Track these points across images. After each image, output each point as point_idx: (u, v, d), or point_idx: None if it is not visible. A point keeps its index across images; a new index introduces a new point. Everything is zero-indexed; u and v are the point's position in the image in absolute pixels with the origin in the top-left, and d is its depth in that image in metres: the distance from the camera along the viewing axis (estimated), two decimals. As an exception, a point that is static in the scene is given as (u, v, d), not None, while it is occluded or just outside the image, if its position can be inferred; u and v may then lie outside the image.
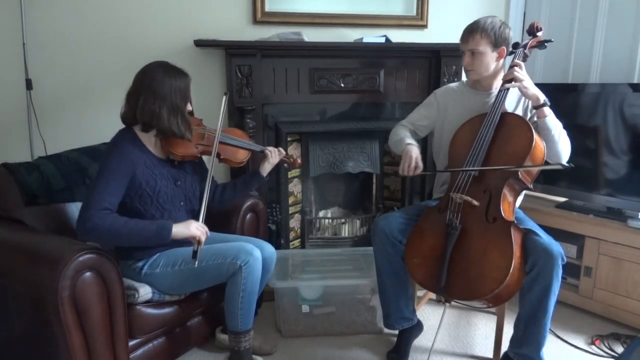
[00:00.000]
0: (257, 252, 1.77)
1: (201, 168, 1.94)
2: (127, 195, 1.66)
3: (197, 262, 1.66)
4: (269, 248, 1.93)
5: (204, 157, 1.93)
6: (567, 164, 1.61)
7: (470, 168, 1.78)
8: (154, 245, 1.73)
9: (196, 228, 1.67)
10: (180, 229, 1.65)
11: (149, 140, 1.75)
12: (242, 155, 1.93)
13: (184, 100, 1.72)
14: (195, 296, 1.89)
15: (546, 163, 1.79)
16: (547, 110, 1.79)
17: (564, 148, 1.81)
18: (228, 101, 2.45)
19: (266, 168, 1.97)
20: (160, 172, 1.74)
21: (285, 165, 2.06)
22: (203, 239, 1.68)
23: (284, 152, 2.00)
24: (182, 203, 1.83)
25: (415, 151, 1.89)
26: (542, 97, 1.79)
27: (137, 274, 1.76)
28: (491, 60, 1.90)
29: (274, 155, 1.96)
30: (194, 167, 1.90)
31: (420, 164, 1.87)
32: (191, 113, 1.81)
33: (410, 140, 1.96)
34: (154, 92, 1.65)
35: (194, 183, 1.88)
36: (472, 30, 1.87)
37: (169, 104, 1.67)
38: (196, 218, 1.73)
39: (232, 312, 1.77)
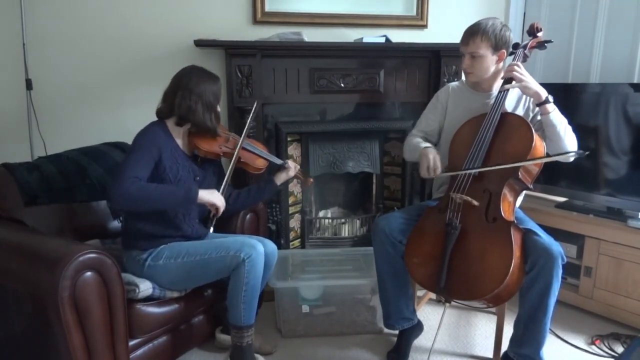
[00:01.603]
0: (260, 246, 1.79)
1: (219, 172, 2.03)
2: (150, 177, 1.74)
3: (212, 229, 1.85)
4: (271, 244, 1.94)
5: (224, 162, 2.01)
6: (580, 151, 1.63)
7: (494, 167, 1.76)
8: (179, 208, 1.83)
9: (219, 198, 1.81)
10: (205, 194, 1.77)
11: (178, 134, 1.86)
12: (260, 163, 2.04)
13: (217, 100, 1.87)
14: (195, 294, 1.89)
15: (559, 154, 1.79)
16: (551, 107, 1.78)
17: (570, 143, 1.80)
18: (228, 101, 2.46)
19: (281, 178, 2.09)
20: (182, 164, 1.83)
21: (297, 180, 2.14)
22: (222, 209, 1.81)
23: (299, 168, 2.12)
24: None
25: (432, 152, 1.87)
26: (544, 94, 1.79)
27: (141, 266, 1.77)
28: (491, 64, 1.89)
29: (291, 170, 2.08)
30: (214, 169, 1.99)
31: (439, 164, 1.85)
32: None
33: (425, 144, 1.96)
34: (190, 90, 1.79)
35: (210, 183, 1.94)
36: (473, 33, 1.86)
37: (203, 101, 1.81)
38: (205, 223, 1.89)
39: (235, 306, 1.77)
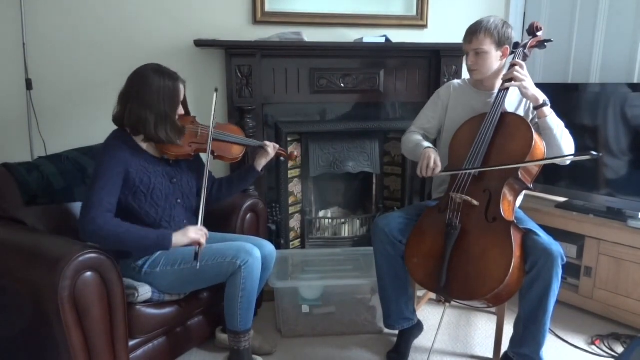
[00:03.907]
0: (256, 251, 1.77)
1: (197, 165, 1.94)
2: (121, 193, 1.67)
3: (198, 264, 1.67)
4: (269, 246, 1.93)
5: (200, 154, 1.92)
6: (594, 154, 1.51)
7: (495, 167, 1.75)
8: (152, 252, 1.75)
9: (195, 233, 1.69)
10: (179, 238, 1.67)
11: (142, 140, 1.76)
12: (236, 151, 1.93)
13: (174, 106, 1.72)
14: (195, 296, 1.89)
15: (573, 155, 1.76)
16: (548, 110, 1.79)
17: (566, 146, 1.81)
18: (228, 101, 2.46)
19: (262, 162, 1.98)
20: (154, 170, 1.75)
21: (281, 158, 2.07)
22: (203, 241, 1.69)
23: (277, 146, 2.00)
24: (179, 200, 1.83)
25: (434, 152, 1.86)
26: (542, 98, 1.79)
27: (137, 273, 1.76)
28: (495, 60, 1.90)
29: (270, 150, 1.96)
30: (189, 165, 1.90)
31: (439, 164, 1.84)
32: (187, 112, 1.82)
33: (427, 143, 1.95)
34: (142, 98, 1.66)
35: (190, 181, 1.88)
36: (476, 30, 1.87)
37: (156, 111, 1.68)
38: (195, 217, 1.75)
39: (232, 311, 1.77)
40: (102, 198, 1.59)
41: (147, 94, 1.66)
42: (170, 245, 1.65)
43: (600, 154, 1.55)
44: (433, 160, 1.82)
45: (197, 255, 1.67)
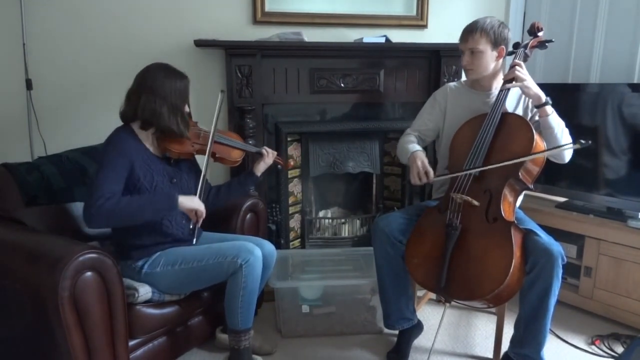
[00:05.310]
0: (257, 250, 1.78)
1: (196, 168, 1.96)
2: (125, 189, 1.69)
3: (195, 240, 1.72)
4: (269, 246, 1.94)
5: (199, 157, 1.94)
6: (583, 142, 1.57)
7: (489, 167, 1.75)
8: (161, 217, 1.77)
9: (199, 203, 1.74)
10: (186, 201, 1.71)
11: (146, 137, 1.78)
12: (236, 155, 1.97)
13: (183, 101, 1.79)
14: (195, 296, 1.89)
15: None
16: (549, 109, 1.79)
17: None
18: (228, 101, 2.46)
19: (260, 168, 2.01)
20: (156, 168, 1.77)
21: (278, 166, 2.11)
22: (202, 215, 1.76)
23: (276, 153, 2.05)
24: None
25: (420, 156, 1.87)
26: (544, 97, 1.80)
27: (137, 274, 1.76)
28: (490, 60, 1.90)
29: (269, 156, 2.01)
30: (189, 167, 1.92)
31: (430, 169, 1.85)
32: (188, 115, 1.86)
33: (414, 147, 1.96)
34: (155, 92, 1.71)
35: (189, 182, 1.89)
36: (472, 30, 1.88)
37: (169, 104, 1.72)
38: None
39: (233, 310, 1.77)
40: (105, 186, 1.61)
41: (160, 88, 1.71)
42: (177, 202, 1.68)
43: (589, 142, 1.59)
44: (422, 167, 1.84)
45: (194, 230, 1.74)
